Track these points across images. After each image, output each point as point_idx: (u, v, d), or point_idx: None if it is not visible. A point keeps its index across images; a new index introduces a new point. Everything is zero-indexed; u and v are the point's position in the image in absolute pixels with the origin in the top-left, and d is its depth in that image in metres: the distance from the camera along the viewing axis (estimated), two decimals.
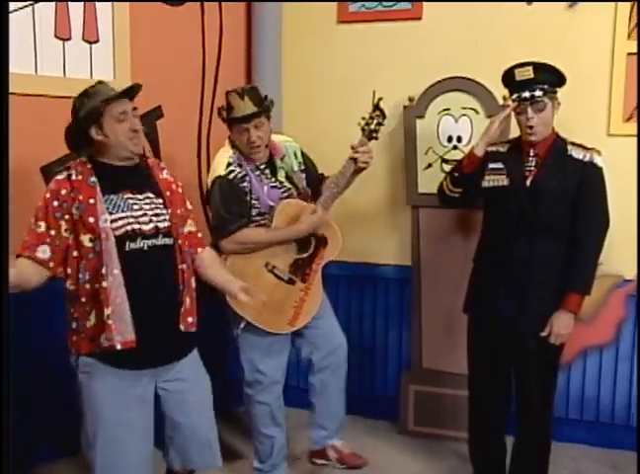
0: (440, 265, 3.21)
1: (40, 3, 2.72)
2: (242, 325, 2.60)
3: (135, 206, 2.02)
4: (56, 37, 2.79)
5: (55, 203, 1.98)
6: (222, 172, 2.57)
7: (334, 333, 2.87)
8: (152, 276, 2.01)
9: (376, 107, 2.67)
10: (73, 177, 2.00)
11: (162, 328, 2.04)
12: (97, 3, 2.88)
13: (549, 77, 2.38)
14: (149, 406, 2.05)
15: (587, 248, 2.42)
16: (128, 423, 1.99)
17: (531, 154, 2.45)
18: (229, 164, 2.59)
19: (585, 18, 3.08)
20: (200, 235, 2.24)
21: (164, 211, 2.07)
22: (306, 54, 3.51)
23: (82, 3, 2.84)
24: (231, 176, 2.57)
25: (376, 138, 2.68)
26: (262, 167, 2.65)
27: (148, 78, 2.99)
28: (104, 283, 1.92)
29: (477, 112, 3.11)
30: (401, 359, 3.48)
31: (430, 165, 3.22)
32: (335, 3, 3.41)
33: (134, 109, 2.06)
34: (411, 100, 3.19)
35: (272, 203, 2.62)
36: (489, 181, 2.52)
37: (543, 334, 2.42)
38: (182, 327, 2.07)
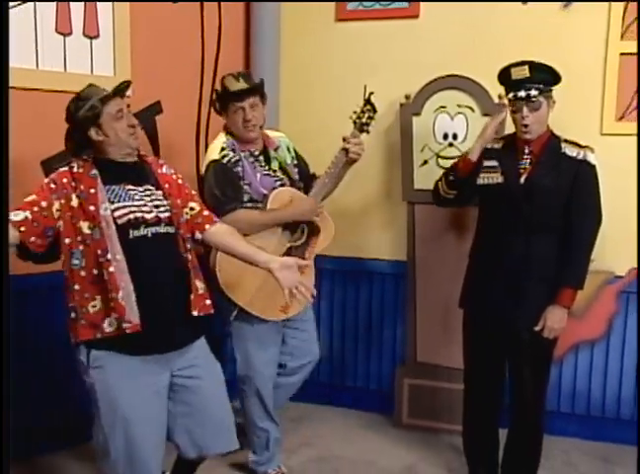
0: (435, 260, 3.25)
1: None
2: (234, 313, 2.61)
3: (136, 197, 2.07)
4: (57, 32, 2.80)
5: (53, 186, 2.02)
6: (216, 156, 2.61)
7: (312, 347, 2.89)
8: (158, 262, 2.05)
9: (367, 101, 2.69)
10: (75, 169, 2.05)
11: (171, 313, 2.07)
12: None
13: (545, 76, 2.41)
14: (163, 395, 2.08)
15: (580, 244, 2.46)
16: (144, 411, 2.01)
17: (526, 152, 2.48)
18: (223, 148, 2.62)
19: (579, 18, 3.13)
20: (206, 213, 2.24)
21: (164, 202, 2.12)
22: (304, 52, 3.54)
23: None
24: (225, 160, 2.60)
25: (367, 132, 2.70)
26: (256, 153, 2.67)
27: (148, 74, 3.05)
28: (110, 269, 1.95)
29: (473, 110, 3.15)
30: (396, 353, 3.53)
31: (425, 162, 3.26)
32: (333, 2, 3.45)
33: (127, 106, 2.10)
34: (407, 97, 3.23)
35: (264, 191, 2.63)
36: (483, 178, 2.55)
37: (537, 328, 2.46)
38: (197, 312, 2.09)
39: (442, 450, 3.15)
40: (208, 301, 2.13)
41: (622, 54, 3.05)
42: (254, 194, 2.63)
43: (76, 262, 2.00)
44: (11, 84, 2.66)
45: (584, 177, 2.45)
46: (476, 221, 2.71)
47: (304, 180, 2.81)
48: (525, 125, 2.41)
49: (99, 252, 1.97)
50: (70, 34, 2.84)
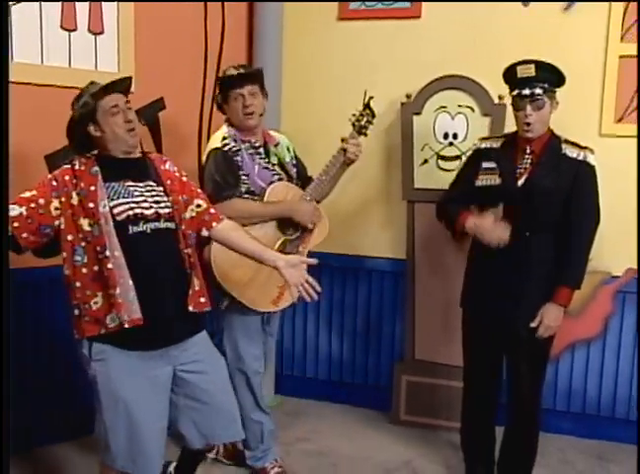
0: (434, 258, 3.28)
1: None
2: (225, 303, 2.62)
3: (136, 193, 2.08)
4: (62, 27, 2.83)
5: (54, 183, 2.04)
6: (218, 144, 2.63)
7: (272, 351, 2.93)
8: (157, 257, 2.06)
9: (367, 105, 2.74)
10: (76, 167, 2.07)
11: (170, 307, 2.09)
12: None
13: (550, 76, 2.42)
14: (164, 388, 2.10)
15: (579, 244, 2.48)
16: (145, 403, 2.03)
17: (527, 152, 2.49)
18: (225, 138, 2.65)
19: (579, 20, 3.15)
20: (212, 211, 2.26)
21: (164, 198, 2.13)
22: (306, 51, 3.56)
23: None
24: (226, 148, 2.62)
25: (365, 135, 2.74)
26: (256, 145, 2.69)
27: (151, 70, 3.07)
28: (108, 265, 1.98)
29: (473, 109, 3.18)
30: (394, 350, 3.55)
31: (426, 161, 3.28)
32: (335, 3, 3.47)
33: (127, 102, 2.10)
34: (408, 97, 3.26)
35: (261, 183, 2.65)
36: (482, 180, 2.56)
37: (533, 324, 2.48)
38: (192, 308, 2.11)
39: (440, 447, 3.18)
40: (203, 299, 2.15)
41: (622, 57, 3.08)
42: (251, 185, 2.64)
43: (78, 258, 2.02)
44: (16, 79, 2.70)
45: (583, 177, 2.46)
46: None
47: (301, 181, 2.83)
48: (528, 124, 2.42)
49: (98, 249, 1.99)
50: (75, 30, 2.86)
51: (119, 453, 2.05)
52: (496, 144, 2.59)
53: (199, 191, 2.29)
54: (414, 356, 3.41)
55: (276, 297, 2.67)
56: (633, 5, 3.06)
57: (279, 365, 3.72)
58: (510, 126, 2.63)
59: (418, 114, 3.25)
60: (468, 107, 3.18)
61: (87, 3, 2.88)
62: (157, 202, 2.10)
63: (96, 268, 2.00)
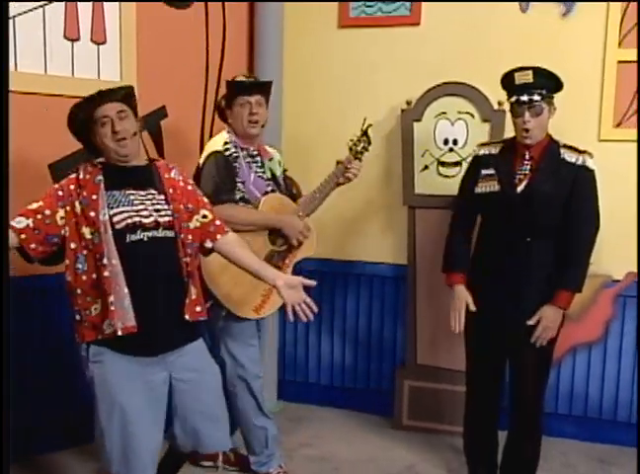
0: (435, 264, 3.25)
1: (50, 5, 2.78)
2: (223, 313, 2.65)
3: (136, 201, 2.10)
4: (65, 37, 2.86)
5: (60, 193, 2.07)
6: (220, 148, 2.66)
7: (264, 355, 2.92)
8: (154, 265, 2.08)
9: (364, 133, 2.79)
10: (81, 176, 2.10)
11: (166, 316, 2.10)
12: (105, 5, 2.95)
13: (548, 82, 2.43)
14: (160, 393, 2.11)
15: (579, 248, 2.50)
16: (140, 407, 2.05)
17: (526, 157, 2.50)
18: (226, 143, 2.68)
19: (577, 26, 3.18)
20: (218, 223, 2.27)
21: (165, 207, 2.14)
22: (307, 57, 3.59)
23: (90, 5, 2.91)
24: (227, 153, 2.66)
25: (360, 160, 2.79)
26: (254, 153, 2.74)
27: (153, 78, 3.10)
28: (105, 273, 2.01)
29: (472, 115, 3.20)
30: (396, 355, 3.57)
31: (426, 167, 3.31)
32: (336, 8, 3.50)
33: (121, 111, 2.09)
34: (408, 103, 3.28)
35: (255, 192, 2.68)
36: (481, 187, 2.57)
37: (530, 322, 2.49)
38: (188, 316, 2.12)
39: (442, 451, 3.19)
40: (199, 308, 2.16)
41: (620, 62, 3.11)
42: (246, 193, 2.67)
43: (80, 266, 2.04)
44: (20, 89, 2.72)
45: (582, 182, 2.47)
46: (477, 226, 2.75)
47: (289, 197, 2.86)
48: (527, 130, 2.43)
49: (97, 256, 2.02)
50: (78, 39, 2.89)
51: (112, 456, 2.07)
52: (494, 150, 2.61)
53: (205, 200, 2.29)
54: (416, 361, 3.43)
55: (258, 305, 2.68)
56: (631, 10, 3.08)
57: (281, 371, 3.73)
58: (509, 132, 2.64)
59: (418, 120, 3.28)
60: (468, 113, 3.20)
61: (90, 14, 2.91)
62: (157, 211, 2.12)
63: (94, 275, 2.03)
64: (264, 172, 2.76)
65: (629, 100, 3.12)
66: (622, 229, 3.09)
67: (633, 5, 3.07)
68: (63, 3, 2.83)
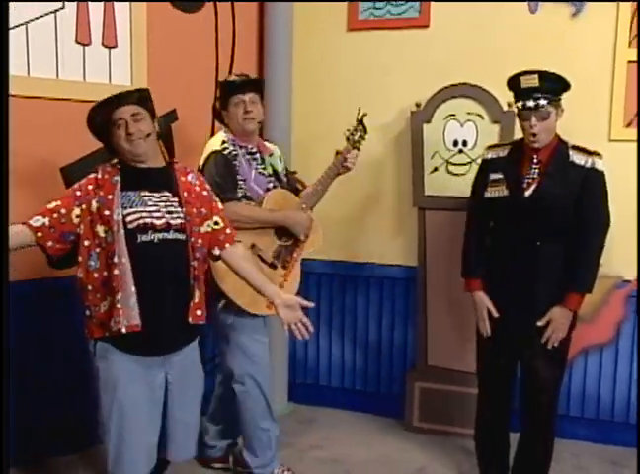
0: (445, 265, 3.29)
1: (62, 11, 2.82)
2: (221, 304, 2.65)
3: (150, 203, 2.13)
4: (77, 42, 2.88)
5: (78, 193, 2.12)
6: (218, 147, 2.68)
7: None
8: (161, 267, 2.11)
9: (360, 122, 2.81)
10: (99, 176, 2.15)
11: (171, 317, 2.14)
12: (116, 10, 2.97)
13: (554, 86, 2.41)
14: (159, 395, 2.16)
15: (589, 250, 2.49)
16: (138, 405, 2.10)
17: (535, 161, 2.49)
18: (224, 142, 2.70)
19: (587, 26, 3.17)
20: (228, 231, 2.30)
21: (178, 209, 2.17)
22: (316, 58, 3.60)
23: (101, 10, 2.94)
24: (226, 152, 2.67)
25: (358, 149, 2.80)
26: (253, 151, 2.75)
27: (164, 82, 3.12)
28: (115, 271, 2.05)
29: (482, 117, 3.20)
30: (406, 357, 3.57)
31: (436, 168, 3.31)
32: (345, 11, 3.51)
33: (136, 114, 2.14)
34: (418, 105, 3.28)
35: (257, 189, 2.70)
36: (490, 192, 2.57)
37: (539, 323, 2.48)
38: (190, 319, 2.16)
39: (453, 453, 3.19)
40: (199, 312, 2.19)
41: (630, 62, 3.09)
42: (248, 190, 2.68)
43: (92, 263, 2.09)
44: (32, 93, 2.75)
45: (592, 184, 2.46)
46: None
47: (291, 191, 2.87)
48: (534, 135, 2.42)
49: (109, 254, 2.07)
50: (89, 44, 2.92)
51: (108, 454, 2.13)
52: (502, 153, 2.60)
53: (220, 207, 2.32)
54: (426, 363, 3.43)
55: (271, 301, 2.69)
56: None
57: (291, 373, 3.74)
58: (519, 133, 2.64)
59: (427, 122, 3.28)
60: (477, 114, 3.20)
61: (101, 19, 2.94)
62: (170, 213, 2.15)
63: (105, 273, 2.08)
64: (264, 168, 2.77)
65: None
66: (634, 230, 3.08)
67: None
68: (75, 9, 2.86)
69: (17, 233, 2.06)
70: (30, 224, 2.06)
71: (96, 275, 2.09)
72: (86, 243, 2.09)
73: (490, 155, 2.63)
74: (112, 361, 2.11)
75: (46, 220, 2.07)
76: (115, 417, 2.10)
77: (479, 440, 2.80)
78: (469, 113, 3.21)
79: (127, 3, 3.00)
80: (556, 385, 2.60)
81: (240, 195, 2.67)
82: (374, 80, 3.47)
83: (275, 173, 2.82)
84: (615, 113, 3.15)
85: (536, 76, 2.39)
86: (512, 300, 2.54)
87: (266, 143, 2.89)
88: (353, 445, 3.27)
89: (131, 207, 2.10)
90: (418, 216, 3.37)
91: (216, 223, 2.27)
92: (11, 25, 2.67)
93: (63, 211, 2.09)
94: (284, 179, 2.87)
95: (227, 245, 2.29)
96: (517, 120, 2.56)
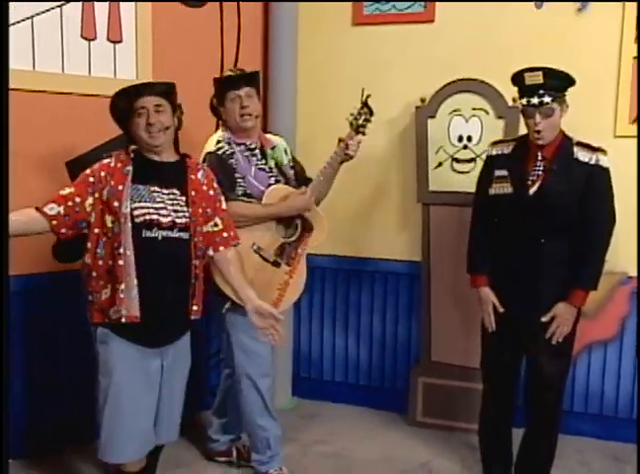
0: (449, 261, 3.29)
1: (67, 5, 2.82)
2: (227, 305, 2.64)
3: (158, 199, 2.17)
4: (82, 37, 2.89)
5: (91, 179, 2.17)
6: (212, 148, 2.67)
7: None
8: (164, 264, 2.16)
9: (365, 104, 2.73)
10: (112, 164, 2.19)
11: (170, 312, 2.21)
12: (121, 4, 2.98)
13: (558, 83, 2.40)
14: (154, 380, 2.22)
15: (594, 248, 2.48)
16: (134, 388, 2.16)
17: (539, 158, 2.48)
18: (219, 141, 2.68)
19: (592, 21, 3.16)
20: (225, 235, 2.32)
21: (184, 208, 2.21)
22: (321, 54, 3.60)
23: (107, 5, 2.94)
24: (220, 152, 2.65)
25: (364, 133, 2.73)
26: (252, 147, 2.71)
27: (169, 77, 3.09)
28: (119, 262, 2.10)
29: (487, 112, 3.19)
30: (410, 352, 3.58)
31: (440, 164, 3.30)
32: (350, 6, 3.50)
33: (159, 105, 2.20)
34: (423, 100, 3.28)
35: (258, 185, 2.66)
36: (495, 188, 2.56)
37: (544, 319, 2.48)
38: (188, 315, 2.24)
39: (457, 448, 3.19)
40: (196, 307, 2.25)
41: (635, 58, 3.08)
42: (248, 187, 2.65)
43: (99, 250, 2.15)
44: (37, 88, 2.76)
45: (596, 181, 2.45)
46: None
47: (300, 183, 2.82)
48: (538, 131, 2.42)
49: (115, 245, 2.11)
50: (94, 39, 2.93)
51: (101, 439, 2.18)
52: (507, 150, 2.59)
53: (222, 208, 2.35)
54: (430, 358, 3.43)
55: (276, 299, 2.67)
56: None
57: (295, 368, 3.75)
58: (524, 129, 2.63)
59: (432, 117, 3.27)
60: (482, 109, 3.20)
61: (106, 13, 2.94)
62: (176, 211, 2.19)
63: (110, 262, 2.13)
64: (265, 163, 2.73)
65: None
66: (636, 227, 3.06)
67: None
68: (80, 4, 2.86)
69: (32, 220, 2.10)
70: (44, 212, 2.11)
71: (101, 262, 2.14)
72: (96, 231, 2.15)
73: (495, 151, 2.62)
74: (111, 347, 2.16)
75: (61, 209, 2.12)
76: (110, 400, 2.15)
77: (483, 436, 2.81)
78: (474, 108, 3.21)
79: None
80: (561, 381, 2.60)
81: (240, 192, 2.64)
82: (379, 75, 3.47)
83: (278, 167, 2.78)
84: (621, 109, 3.14)
85: (540, 73, 2.38)
86: (516, 297, 2.54)
87: (268, 136, 2.86)
88: (356, 440, 3.28)
89: (140, 202, 2.14)
90: (422, 212, 3.37)
91: (215, 224, 2.31)
92: (17, 19, 2.68)
93: (77, 200, 2.13)
94: (290, 171, 2.83)
95: (221, 248, 2.32)
96: (521, 116, 2.55)
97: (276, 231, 2.71)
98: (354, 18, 3.51)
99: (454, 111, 3.24)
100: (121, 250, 2.09)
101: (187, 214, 2.20)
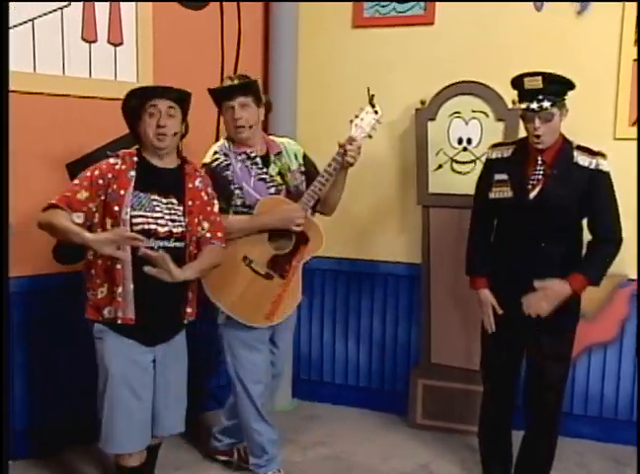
0: (448, 263, 3.29)
1: (68, 7, 2.83)
2: (223, 316, 2.64)
3: (157, 208, 2.23)
4: (83, 39, 2.90)
5: (100, 182, 2.21)
6: (208, 160, 2.64)
7: (287, 357, 2.88)
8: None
9: (371, 104, 2.60)
10: (117, 166, 2.23)
11: (165, 316, 2.30)
12: (121, 7, 2.98)
13: (558, 87, 2.39)
14: (150, 373, 2.30)
15: (603, 252, 2.48)
16: (130, 383, 2.24)
17: (539, 162, 2.47)
18: (215, 152, 2.66)
19: (592, 23, 3.16)
20: (208, 235, 2.36)
21: (181, 218, 2.27)
22: (321, 57, 3.61)
23: (107, 7, 2.95)
24: (214, 164, 2.61)
25: (369, 136, 2.59)
26: (252, 155, 2.65)
27: (169, 79, 3.09)
28: (117, 266, 2.17)
29: (487, 115, 3.20)
30: (410, 354, 3.58)
31: (440, 166, 3.31)
32: (350, 8, 3.51)
33: (171, 108, 2.26)
34: (423, 103, 3.28)
35: (256, 195, 2.61)
36: (495, 192, 2.56)
37: (536, 285, 2.41)
38: (183, 319, 2.33)
39: (457, 450, 3.19)
40: (189, 309, 2.35)
41: (635, 60, 3.09)
42: (246, 198, 2.60)
43: None
44: (38, 90, 2.77)
45: (597, 185, 2.44)
46: None
47: None
48: (538, 136, 2.41)
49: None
50: (95, 41, 2.93)
51: (102, 430, 2.26)
52: (506, 153, 2.58)
53: (215, 211, 2.40)
54: (430, 360, 3.43)
55: (268, 312, 2.63)
56: None
57: (295, 369, 3.75)
58: (524, 131, 2.63)
59: (432, 119, 3.28)
60: (482, 112, 3.20)
61: (107, 16, 2.95)
62: (173, 221, 2.25)
63: (109, 262, 2.19)
64: (266, 172, 2.66)
65: None
66: (637, 229, 3.07)
67: None
68: (81, 6, 2.87)
69: (72, 229, 2.13)
70: (74, 221, 2.16)
71: (100, 261, 2.21)
72: (99, 230, 2.20)
73: (494, 155, 2.62)
74: (106, 342, 2.23)
75: (83, 215, 2.19)
76: (108, 393, 2.22)
77: (483, 437, 2.81)
78: (474, 110, 3.21)
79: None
80: (561, 383, 2.60)
81: (239, 202, 2.60)
82: (379, 78, 3.46)
83: (281, 174, 2.69)
84: (620, 111, 3.14)
85: (540, 78, 2.36)
86: (516, 299, 2.53)
87: (278, 139, 2.80)
88: (356, 442, 3.28)
89: (140, 210, 2.20)
90: (422, 214, 3.37)
91: (202, 228, 2.35)
92: (18, 21, 2.68)
93: (92, 206, 2.20)
94: (301, 177, 2.74)
95: (203, 247, 2.36)
96: (521, 120, 2.55)
97: (268, 243, 2.63)
98: (354, 20, 3.52)
99: (454, 113, 3.25)
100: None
101: (183, 224, 2.26)
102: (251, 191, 2.62)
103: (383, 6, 3.45)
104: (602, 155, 2.47)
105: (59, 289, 2.85)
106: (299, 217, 2.58)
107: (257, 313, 2.63)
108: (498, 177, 2.55)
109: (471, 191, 2.75)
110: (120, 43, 3.01)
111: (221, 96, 2.64)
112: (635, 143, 3.10)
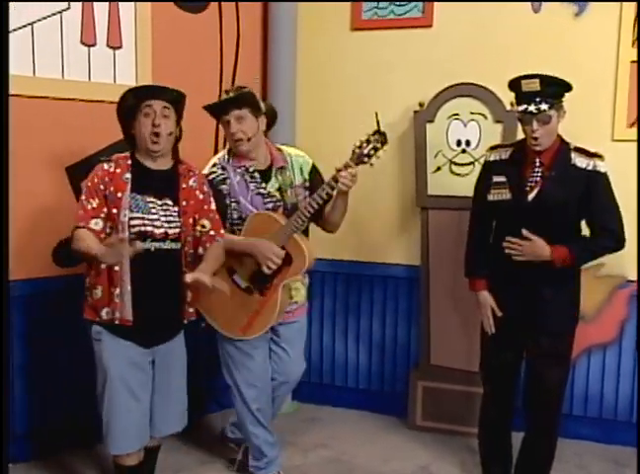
0: (448, 265, 3.30)
1: (67, 11, 2.83)
2: (203, 324, 2.65)
3: (153, 210, 2.25)
4: (82, 43, 2.91)
5: (101, 187, 2.24)
6: (206, 171, 2.63)
7: (297, 365, 2.84)
8: (155, 273, 2.25)
9: (377, 131, 2.44)
10: (112, 169, 2.25)
11: (162, 317, 2.31)
12: (120, 10, 2.99)
13: (555, 89, 2.40)
14: (148, 373, 2.32)
15: (602, 242, 2.50)
16: (127, 382, 2.26)
17: (537, 164, 2.48)
18: (214, 165, 2.66)
19: (590, 25, 3.17)
20: (212, 233, 2.38)
21: (176, 219, 2.29)
22: (321, 58, 3.61)
23: (106, 11, 2.95)
24: (211, 177, 2.60)
25: (370, 164, 2.47)
26: (251, 170, 2.62)
27: (168, 82, 3.09)
28: (115, 267, 2.18)
29: (485, 117, 3.20)
30: (410, 356, 3.58)
31: (439, 168, 3.31)
32: (349, 11, 3.51)
33: (166, 108, 2.27)
34: (421, 105, 3.29)
35: (252, 209, 2.59)
36: (493, 195, 2.56)
37: (524, 232, 2.43)
38: (182, 317, 2.34)
39: (456, 452, 3.19)
40: (191, 309, 2.37)
41: (633, 62, 3.09)
42: (243, 211, 2.60)
43: None
44: (38, 93, 2.78)
45: (595, 187, 2.45)
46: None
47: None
48: (536, 138, 2.41)
49: None
50: (94, 45, 2.94)
51: (104, 430, 2.28)
52: (504, 155, 2.59)
53: (212, 208, 2.41)
54: (429, 362, 3.44)
55: (244, 325, 2.61)
56: None
57: None
58: (522, 133, 2.63)
59: (431, 121, 3.28)
60: (481, 114, 3.21)
61: (106, 19, 2.96)
62: (168, 222, 2.27)
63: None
64: (264, 188, 2.62)
65: None
66: (636, 229, 3.07)
67: None
68: (80, 10, 2.87)
69: (92, 239, 2.17)
70: (94, 229, 2.19)
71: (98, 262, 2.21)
72: (102, 235, 2.22)
73: (492, 157, 2.62)
74: (105, 344, 2.25)
75: (101, 221, 2.21)
76: (106, 395, 2.24)
77: (483, 438, 2.81)
78: (472, 112, 3.22)
79: (132, 3, 3.02)
80: (561, 385, 2.60)
81: (236, 216, 2.60)
82: (378, 80, 3.48)
83: (281, 190, 2.64)
84: (618, 112, 3.15)
85: (537, 81, 2.37)
86: (515, 300, 2.55)
87: (284, 149, 2.75)
88: (356, 444, 3.28)
89: (137, 212, 2.22)
90: (421, 216, 3.38)
91: (203, 226, 2.36)
92: (17, 25, 2.69)
93: (105, 210, 2.22)
94: (304, 192, 2.69)
95: (208, 244, 2.37)
96: (519, 122, 2.56)
97: (251, 261, 2.57)
98: (352, 22, 3.52)
99: (453, 115, 3.25)
100: None
101: (178, 224, 2.28)
102: (248, 205, 2.61)
103: (382, 8, 3.46)
104: (600, 156, 2.48)
105: (59, 292, 2.85)
106: (273, 263, 2.51)
107: (234, 325, 2.64)
108: (496, 179, 2.56)
109: (470, 192, 2.76)
110: (119, 47, 3.01)
111: (217, 111, 2.62)
112: (633, 145, 3.11)
